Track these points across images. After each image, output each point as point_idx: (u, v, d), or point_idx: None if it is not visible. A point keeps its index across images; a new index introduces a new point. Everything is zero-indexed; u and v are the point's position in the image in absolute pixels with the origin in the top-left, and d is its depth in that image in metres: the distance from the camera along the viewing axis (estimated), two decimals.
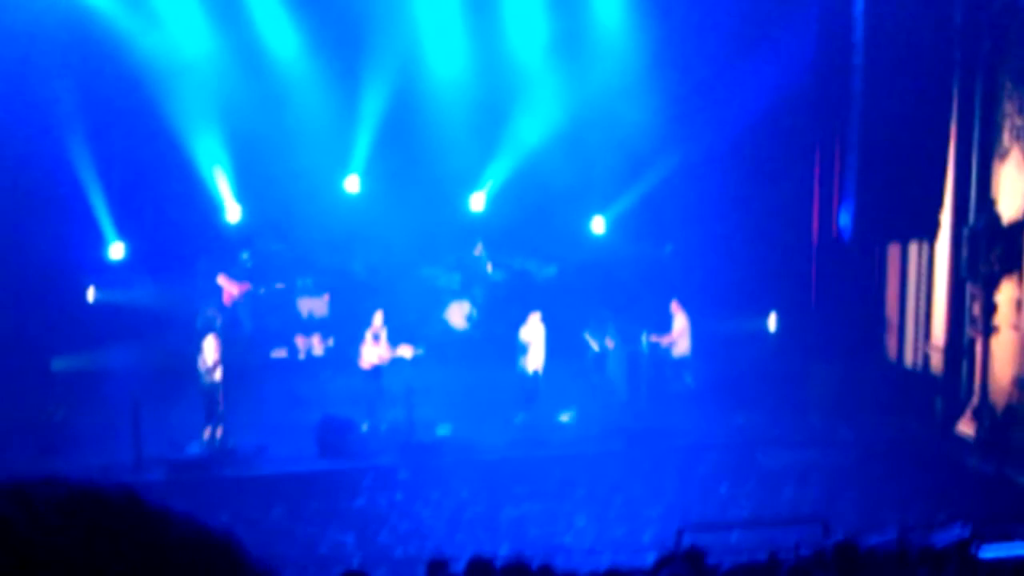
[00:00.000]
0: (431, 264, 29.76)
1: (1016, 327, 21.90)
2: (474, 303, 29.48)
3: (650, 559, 12.02)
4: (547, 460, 22.14)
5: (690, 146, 27.35)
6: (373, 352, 23.55)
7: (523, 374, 24.15)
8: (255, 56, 27.59)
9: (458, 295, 29.56)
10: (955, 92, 23.48)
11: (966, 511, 17.51)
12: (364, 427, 22.96)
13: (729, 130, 26.96)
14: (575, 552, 17.80)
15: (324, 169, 28.61)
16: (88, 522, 1.48)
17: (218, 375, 22.10)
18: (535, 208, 28.24)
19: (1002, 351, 22.37)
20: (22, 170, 25.42)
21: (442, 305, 29.46)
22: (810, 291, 27.77)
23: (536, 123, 28.21)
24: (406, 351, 23.85)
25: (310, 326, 28.42)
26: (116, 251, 27.44)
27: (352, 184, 29.29)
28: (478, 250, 29.65)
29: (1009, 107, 22.17)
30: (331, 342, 27.90)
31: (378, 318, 23.80)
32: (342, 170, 29.08)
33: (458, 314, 29.48)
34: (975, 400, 22.80)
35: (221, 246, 28.30)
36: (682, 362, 25.74)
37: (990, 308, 22.32)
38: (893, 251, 26.54)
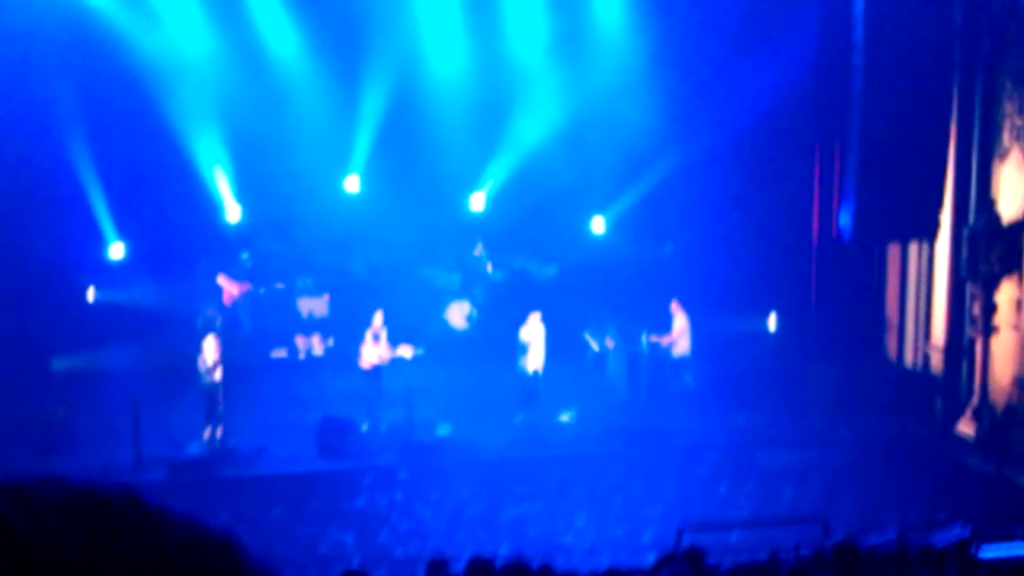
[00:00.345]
0: (431, 264, 29.77)
1: (1016, 327, 21.90)
2: (474, 303, 29.48)
3: (650, 559, 12.02)
4: (547, 460, 22.13)
5: (690, 146, 27.35)
6: (373, 352, 23.55)
7: (523, 374, 24.13)
8: (255, 56, 27.60)
9: (458, 295, 29.57)
10: (955, 92, 23.47)
11: (966, 511, 17.53)
12: (364, 427, 22.96)
13: (729, 130, 26.97)
14: (575, 552, 17.82)
15: (324, 169, 28.63)
16: (88, 522, 1.48)
17: (218, 375, 22.08)
18: (535, 208, 28.25)
19: (1002, 351, 22.37)
20: (22, 170, 25.44)
21: (442, 305, 29.46)
22: (810, 291, 27.75)
23: (536, 123, 28.20)
24: (406, 351, 23.84)
25: (310, 326, 28.43)
26: (116, 251, 27.45)
27: (352, 184, 29.31)
28: (478, 250, 29.66)
29: (1009, 107, 22.17)
30: (331, 342, 27.91)
31: (378, 318, 23.80)
32: (342, 170, 29.10)
33: (458, 314, 29.48)
34: (975, 400, 22.80)
35: (221, 246, 28.31)
36: (682, 362, 25.73)
37: (990, 308, 22.32)
38: (893, 251, 26.54)
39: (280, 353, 27.81)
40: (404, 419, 22.45)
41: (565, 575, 11.67)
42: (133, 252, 27.50)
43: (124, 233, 27.40)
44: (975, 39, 22.84)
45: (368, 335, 23.64)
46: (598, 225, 29.61)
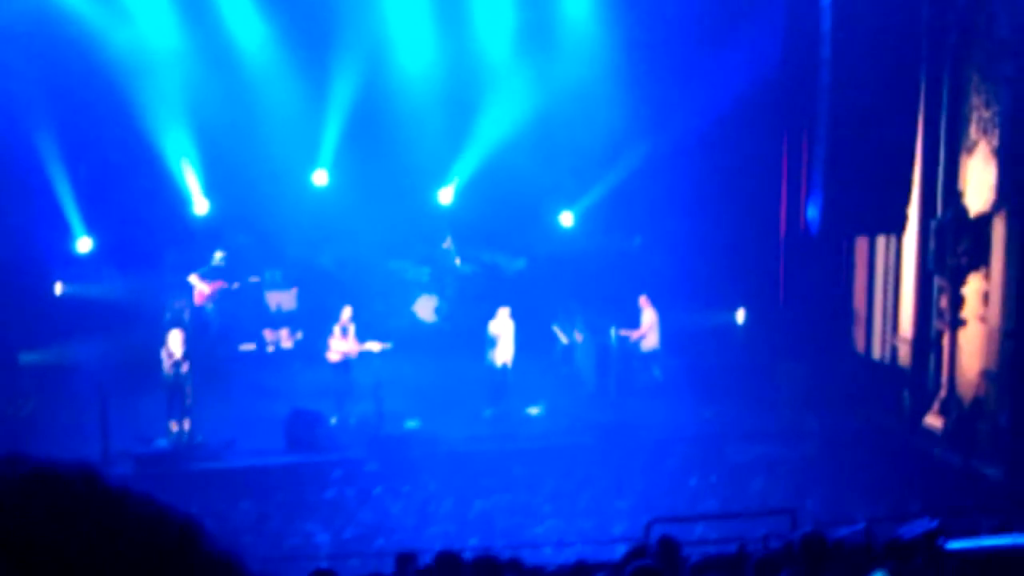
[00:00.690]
0: (400, 257, 29.78)
1: (983, 320, 21.97)
2: (443, 297, 29.48)
3: (619, 552, 12.00)
4: (516, 453, 22.15)
5: (658, 139, 27.37)
6: (341, 346, 23.54)
7: (492, 367, 24.16)
8: (223, 49, 27.51)
9: (427, 288, 29.59)
10: (923, 85, 23.53)
11: (934, 503, 17.61)
12: (333, 420, 22.96)
13: (697, 123, 27.00)
14: (544, 545, 17.79)
15: (292, 163, 28.56)
16: (46, 500, 1.47)
17: (185, 368, 22.02)
18: (504, 201, 28.24)
19: (969, 344, 22.44)
20: None
21: (411, 298, 29.49)
22: (778, 284, 27.85)
23: (504, 116, 28.17)
24: (374, 347, 23.82)
25: (278, 319, 28.40)
26: (84, 245, 27.34)
27: (320, 178, 29.24)
28: (447, 244, 29.64)
29: (976, 100, 22.23)
30: (299, 335, 27.89)
31: (346, 313, 23.80)
32: (310, 164, 29.03)
33: (427, 307, 29.49)
34: (943, 392, 22.88)
35: (189, 239, 28.20)
36: (651, 355, 25.79)
37: (957, 301, 22.39)
38: (861, 244, 26.62)
39: (248, 346, 27.77)
40: (373, 412, 22.46)
41: (534, 569, 11.64)
42: (101, 245, 27.39)
43: (92, 227, 27.28)
44: (942, 32, 22.90)
45: (336, 329, 23.64)
46: (567, 218, 29.62)
